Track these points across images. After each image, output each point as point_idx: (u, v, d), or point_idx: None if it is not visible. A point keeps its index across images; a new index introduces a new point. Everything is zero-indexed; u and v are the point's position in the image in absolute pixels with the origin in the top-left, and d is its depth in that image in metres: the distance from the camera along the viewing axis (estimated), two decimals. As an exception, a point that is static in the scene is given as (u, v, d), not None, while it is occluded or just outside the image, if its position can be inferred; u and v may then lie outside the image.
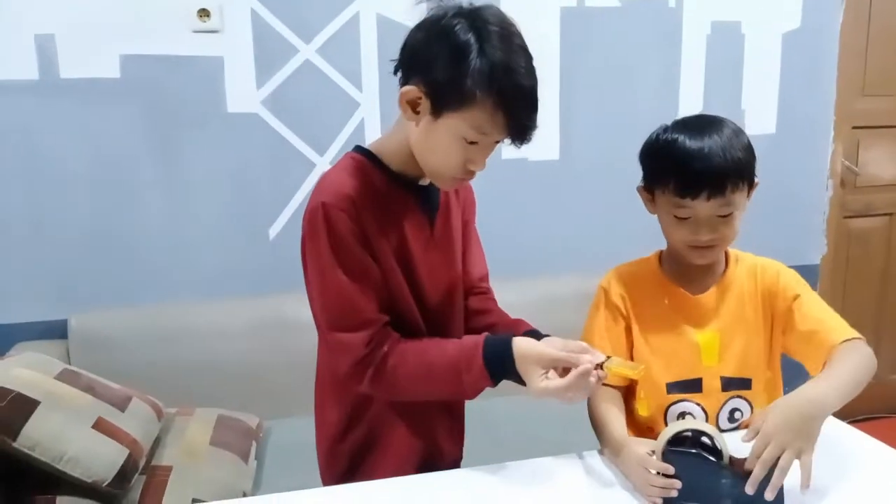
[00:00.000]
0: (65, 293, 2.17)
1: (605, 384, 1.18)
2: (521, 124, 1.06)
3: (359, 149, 1.20)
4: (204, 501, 1.61)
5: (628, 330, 1.30)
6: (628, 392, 1.31)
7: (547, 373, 1.10)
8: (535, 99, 1.06)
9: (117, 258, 2.20)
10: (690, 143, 1.17)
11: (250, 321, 2.19)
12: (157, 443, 1.77)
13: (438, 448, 1.30)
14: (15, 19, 2.05)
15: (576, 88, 2.46)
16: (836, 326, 1.21)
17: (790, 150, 2.67)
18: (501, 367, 1.12)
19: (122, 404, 1.71)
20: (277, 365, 2.14)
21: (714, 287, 1.28)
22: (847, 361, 1.13)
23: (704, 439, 1.05)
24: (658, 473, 1.04)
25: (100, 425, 1.60)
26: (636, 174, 1.28)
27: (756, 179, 1.22)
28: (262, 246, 2.29)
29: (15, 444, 1.48)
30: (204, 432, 1.85)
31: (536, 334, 1.19)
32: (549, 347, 1.11)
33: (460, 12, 1.05)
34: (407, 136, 1.13)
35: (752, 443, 1.00)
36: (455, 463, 1.34)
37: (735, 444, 1.04)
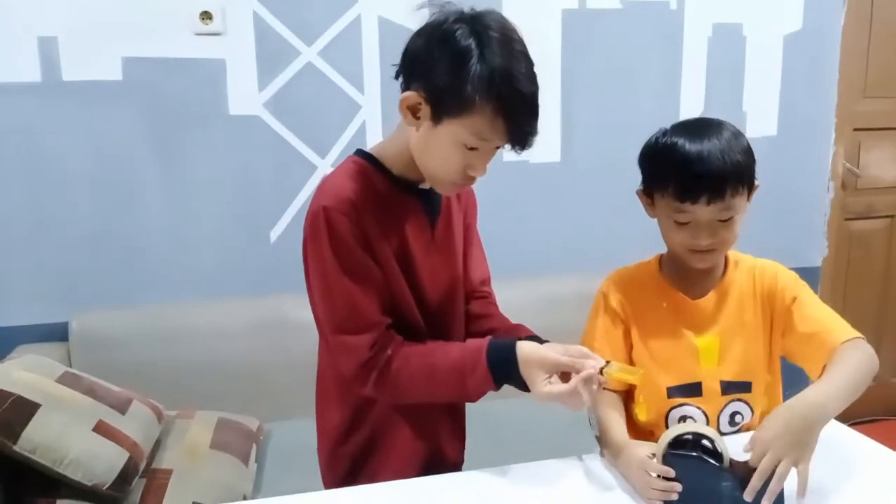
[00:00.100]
0: (66, 294, 2.18)
1: (604, 388, 1.18)
2: (521, 130, 1.06)
3: (360, 152, 1.21)
4: (204, 504, 1.61)
5: (627, 334, 1.30)
6: (627, 396, 1.31)
7: (550, 378, 1.10)
8: (535, 105, 1.06)
9: (119, 261, 2.21)
10: (689, 146, 1.16)
11: (251, 322, 2.20)
12: (157, 445, 1.77)
13: (441, 450, 1.30)
14: (17, 22, 2.05)
15: (577, 90, 2.46)
16: (836, 327, 1.21)
17: (791, 151, 2.67)
18: (505, 370, 1.12)
19: (122, 407, 1.71)
20: (278, 366, 2.15)
21: (713, 291, 1.28)
22: (848, 363, 1.13)
23: (705, 442, 1.04)
24: (659, 476, 1.04)
25: (100, 428, 1.60)
26: (637, 176, 1.28)
27: (756, 182, 1.22)
28: (263, 248, 2.29)
29: (16, 447, 1.48)
30: (204, 435, 1.85)
31: (537, 340, 1.19)
32: (552, 352, 1.11)
33: (461, 17, 1.05)
34: (408, 140, 1.13)
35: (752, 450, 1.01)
36: (457, 465, 1.34)
37: (735, 448, 1.03)
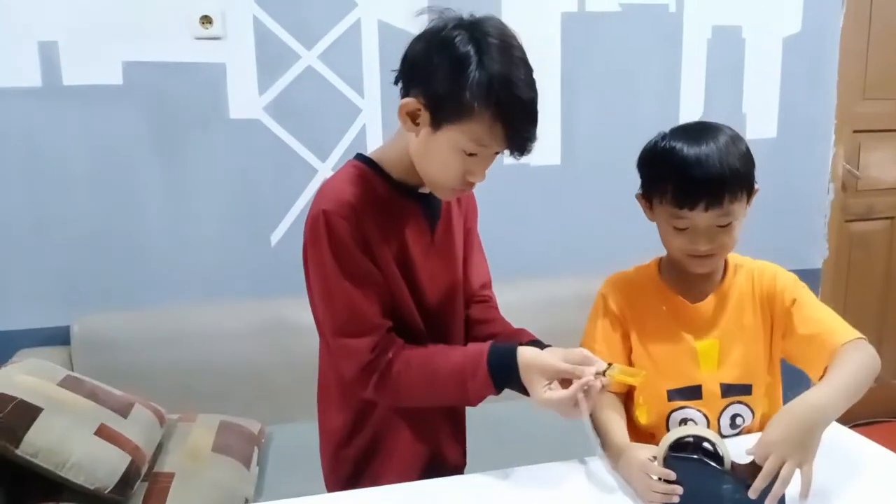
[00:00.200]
0: (67, 297, 2.18)
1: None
2: (519, 136, 1.06)
3: (360, 156, 1.21)
4: (206, 507, 1.61)
5: (626, 337, 1.31)
6: (627, 399, 1.31)
7: (550, 383, 1.10)
8: (534, 111, 1.06)
9: (120, 265, 2.21)
10: (688, 151, 1.16)
11: (253, 325, 2.20)
12: (159, 449, 1.78)
13: (442, 453, 1.30)
14: (18, 26, 2.06)
15: (577, 93, 2.46)
16: (836, 328, 1.20)
17: (791, 153, 2.67)
18: (506, 375, 1.12)
19: (124, 410, 1.71)
20: (280, 369, 2.15)
21: (712, 295, 1.28)
22: (849, 364, 1.12)
23: (706, 445, 1.04)
24: (660, 479, 1.05)
25: (102, 432, 1.60)
26: (637, 178, 1.28)
27: (756, 186, 1.21)
28: (263, 251, 2.30)
29: (18, 451, 1.48)
30: (206, 438, 1.85)
31: (539, 345, 1.19)
32: (553, 358, 1.11)
33: (460, 24, 1.05)
34: (407, 144, 1.14)
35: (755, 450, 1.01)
36: (458, 468, 1.34)
37: (736, 450, 1.04)
